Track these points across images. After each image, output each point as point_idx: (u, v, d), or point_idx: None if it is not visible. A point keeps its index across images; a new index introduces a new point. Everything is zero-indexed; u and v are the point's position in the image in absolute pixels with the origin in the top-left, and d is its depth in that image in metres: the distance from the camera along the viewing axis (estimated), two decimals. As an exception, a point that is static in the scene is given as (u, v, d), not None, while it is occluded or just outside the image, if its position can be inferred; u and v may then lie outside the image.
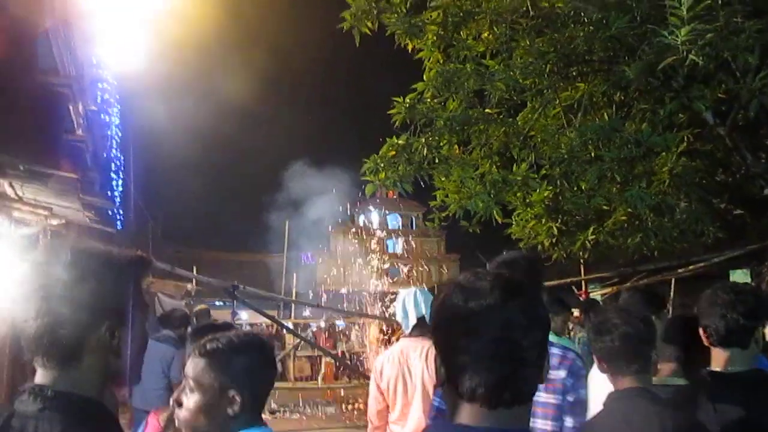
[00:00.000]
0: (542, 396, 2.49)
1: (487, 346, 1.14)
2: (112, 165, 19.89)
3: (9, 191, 5.41)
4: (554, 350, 2.57)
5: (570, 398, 2.49)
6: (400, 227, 37.35)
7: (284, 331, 15.41)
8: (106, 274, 1.36)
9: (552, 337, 4.14)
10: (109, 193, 18.53)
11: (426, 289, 4.09)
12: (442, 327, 1.22)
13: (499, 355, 1.14)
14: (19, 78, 9.52)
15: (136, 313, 1.41)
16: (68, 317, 1.31)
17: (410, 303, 3.80)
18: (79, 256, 1.36)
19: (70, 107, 13.12)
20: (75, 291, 1.32)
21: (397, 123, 5.99)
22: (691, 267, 8.05)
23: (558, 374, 2.52)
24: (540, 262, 2.86)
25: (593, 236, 5.99)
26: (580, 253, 6.53)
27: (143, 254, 1.49)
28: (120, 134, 20.20)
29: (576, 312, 9.13)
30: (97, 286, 1.34)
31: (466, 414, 1.18)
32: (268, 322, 14.61)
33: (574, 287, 10.70)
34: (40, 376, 1.35)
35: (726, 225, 6.18)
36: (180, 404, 1.82)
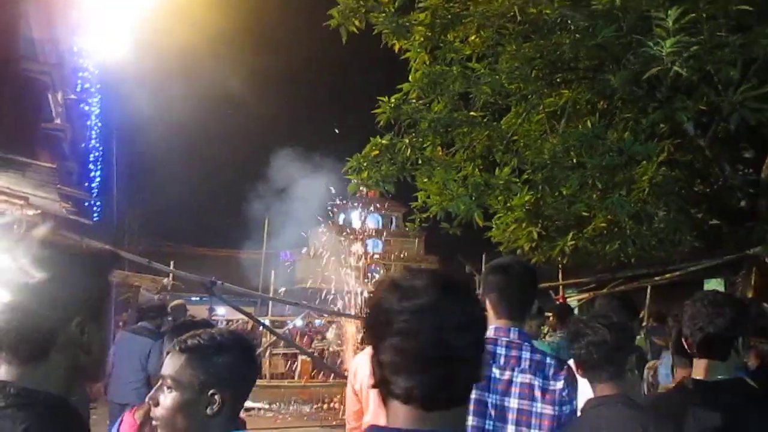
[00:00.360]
0: (538, 406, 2.48)
1: (422, 347, 1.11)
2: (91, 156, 19.64)
3: (-16, 180, 5.32)
4: (548, 360, 2.56)
5: (566, 409, 2.49)
6: (381, 227, 37.35)
7: (260, 328, 15.32)
8: (76, 268, 1.34)
9: (540, 345, 4.17)
10: (87, 184, 18.29)
11: None
12: (376, 327, 1.18)
13: (435, 356, 1.11)
14: (-2, 64, 9.35)
15: (105, 308, 1.38)
16: (38, 312, 1.28)
17: None
18: (50, 249, 1.33)
19: (50, 95, 12.91)
20: (45, 286, 1.29)
21: (381, 123, 5.99)
22: (667, 275, 8.15)
23: (556, 385, 2.50)
24: (534, 267, 2.87)
25: (573, 242, 6.03)
26: (559, 258, 6.57)
27: (111, 248, 1.46)
28: (100, 124, 19.95)
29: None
30: (68, 281, 1.31)
31: (402, 416, 1.14)
32: (246, 318, 14.53)
33: (551, 292, 10.77)
34: (4, 372, 1.31)
35: (703, 235, 6.26)
36: (156, 403, 1.78)
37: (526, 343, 2.60)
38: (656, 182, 5.38)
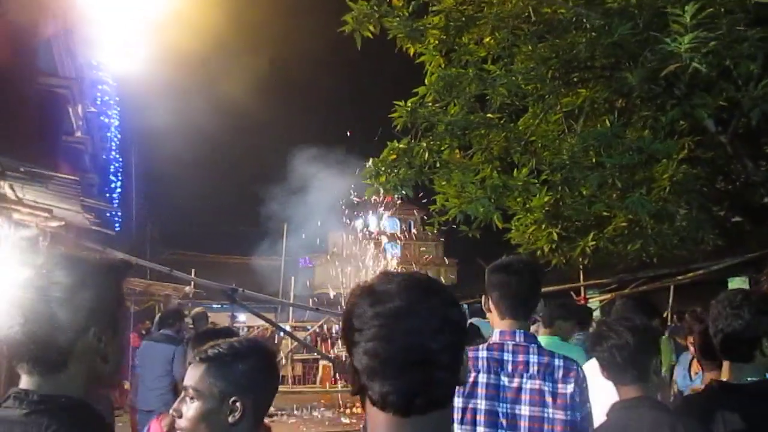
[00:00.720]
0: (549, 412, 2.45)
1: (395, 351, 1.10)
2: (111, 167, 19.89)
3: (9, 193, 5.40)
4: (557, 362, 2.53)
5: (579, 413, 2.46)
6: (399, 231, 37.34)
7: (280, 333, 15.41)
8: (91, 279, 1.36)
9: (556, 346, 4.13)
10: (108, 194, 18.52)
11: None
12: (350, 332, 1.16)
13: (409, 360, 1.10)
14: (20, 80, 9.52)
15: (120, 317, 1.41)
16: (57, 323, 1.31)
17: None
18: (66, 261, 1.37)
19: (70, 109, 13.11)
20: (63, 297, 1.32)
21: (398, 127, 5.99)
22: (690, 274, 8.05)
23: (566, 388, 2.47)
24: (538, 266, 2.83)
25: (593, 242, 5.98)
26: (580, 259, 6.52)
27: (125, 257, 1.50)
28: (119, 136, 20.21)
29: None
30: (84, 292, 1.34)
31: (380, 423, 1.13)
32: (266, 324, 14.62)
33: (573, 293, 10.68)
34: (25, 382, 1.34)
35: (725, 232, 6.18)
36: (180, 414, 1.79)
37: (532, 345, 2.57)
38: (677, 180, 5.32)
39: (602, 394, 3.08)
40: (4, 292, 1.35)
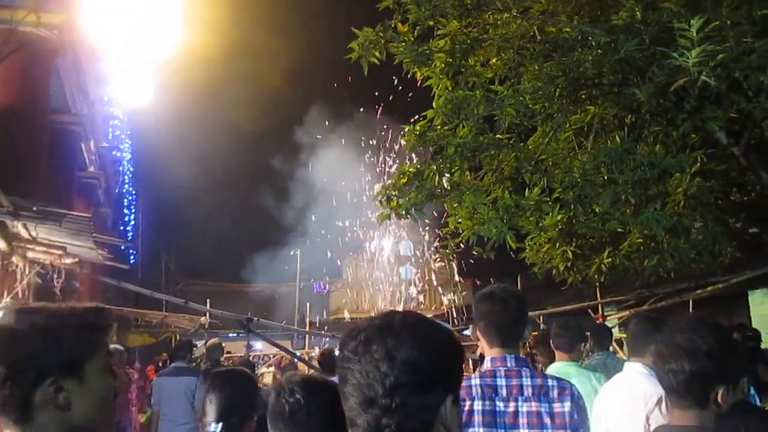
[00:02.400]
0: None
1: (351, 394, 1.12)
2: (125, 200, 20.09)
3: (23, 232, 5.44)
4: (550, 382, 2.53)
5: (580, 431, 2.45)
6: (412, 253, 37.22)
7: (295, 360, 15.34)
8: (42, 332, 1.33)
9: (581, 371, 4.07)
10: (121, 228, 18.67)
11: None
12: (338, 371, 1.18)
13: (363, 402, 1.11)
14: (32, 118, 9.65)
15: (91, 367, 1.36)
16: (7, 375, 1.30)
17: None
18: (24, 312, 1.36)
19: (82, 145, 13.28)
20: (11, 349, 1.31)
21: (407, 151, 6.00)
22: (709, 288, 7.94)
23: (563, 407, 2.46)
24: (522, 294, 2.82)
25: (609, 259, 5.91)
26: (596, 277, 6.45)
27: (100, 306, 1.45)
28: (131, 169, 20.43)
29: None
30: (33, 344, 1.32)
31: None
32: (282, 353, 14.54)
33: (590, 311, 10.57)
34: None
35: (743, 244, 6.09)
36: None
37: (524, 369, 2.58)
38: (691, 194, 5.27)
39: (612, 412, 3.04)
40: None
